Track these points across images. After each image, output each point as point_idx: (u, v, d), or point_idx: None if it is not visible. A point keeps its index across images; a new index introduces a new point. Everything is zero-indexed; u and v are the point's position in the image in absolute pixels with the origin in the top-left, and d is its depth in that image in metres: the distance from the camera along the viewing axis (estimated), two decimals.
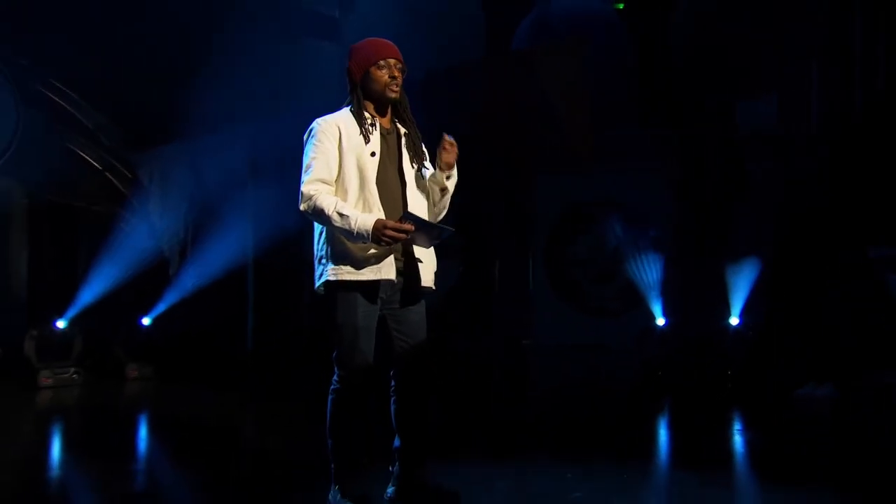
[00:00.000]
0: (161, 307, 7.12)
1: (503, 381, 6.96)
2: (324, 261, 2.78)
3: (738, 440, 4.44)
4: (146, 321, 7.07)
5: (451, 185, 2.89)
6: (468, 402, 5.63)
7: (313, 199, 2.67)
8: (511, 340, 7.94)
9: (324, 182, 2.71)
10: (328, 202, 2.66)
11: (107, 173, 7.47)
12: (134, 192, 7.62)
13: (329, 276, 2.73)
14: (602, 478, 3.37)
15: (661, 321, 6.82)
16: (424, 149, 2.94)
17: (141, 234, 7.37)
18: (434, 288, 2.89)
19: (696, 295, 6.92)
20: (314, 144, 2.75)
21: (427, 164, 2.91)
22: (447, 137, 2.80)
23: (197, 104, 6.47)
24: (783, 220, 6.46)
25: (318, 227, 2.82)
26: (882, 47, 6.39)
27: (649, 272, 7.19)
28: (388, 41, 2.86)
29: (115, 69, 6.82)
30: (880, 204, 5.68)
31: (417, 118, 2.98)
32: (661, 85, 7.98)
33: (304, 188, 2.71)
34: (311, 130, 2.80)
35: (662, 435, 4.77)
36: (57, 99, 7.08)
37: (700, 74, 7.62)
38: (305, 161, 2.76)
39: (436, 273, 2.92)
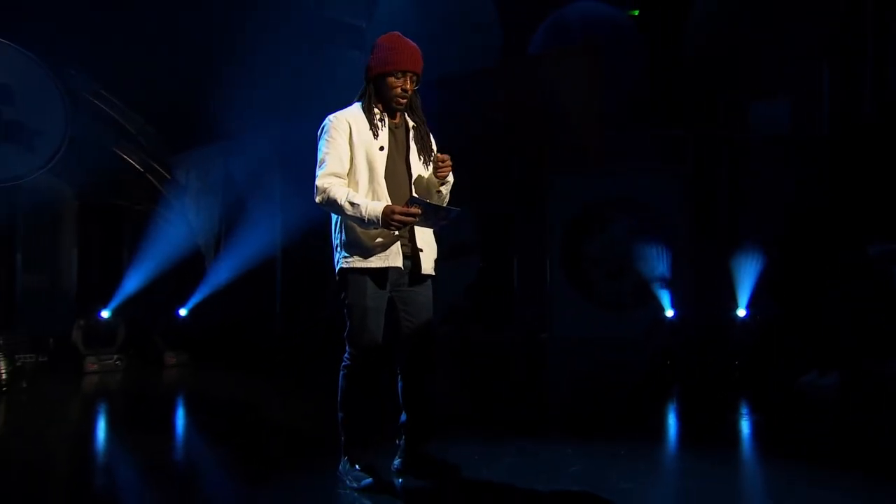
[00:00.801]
0: (197, 299, 7.30)
1: (517, 372, 7.00)
2: (339, 249, 2.92)
3: (740, 424, 4.44)
4: (183, 312, 7.25)
5: (445, 189, 3.00)
6: (480, 391, 5.73)
7: (327, 191, 2.79)
8: (529, 334, 7.97)
9: (336, 175, 2.83)
10: (340, 193, 2.76)
11: (147, 174, 7.68)
12: (172, 192, 7.85)
13: (343, 263, 2.88)
14: (601, 456, 3.47)
15: (670, 313, 6.85)
16: (433, 143, 3.03)
17: (178, 231, 7.57)
18: (434, 274, 3.02)
19: (704, 288, 6.94)
20: (327, 140, 2.86)
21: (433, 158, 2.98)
22: (439, 155, 2.90)
23: (229, 109, 6.67)
24: (789, 218, 6.47)
25: (333, 217, 2.95)
26: (893, 48, 6.37)
27: (660, 267, 7.25)
28: (413, 47, 2.88)
29: (153, 76, 6.97)
30: (885, 203, 5.67)
31: (434, 121, 3.06)
32: (673, 86, 7.94)
33: (318, 182, 2.82)
34: (323, 127, 2.90)
35: (666, 419, 4.79)
36: (102, 105, 7.29)
37: (712, 76, 7.56)
38: (319, 156, 2.87)
39: (436, 260, 3.04)
